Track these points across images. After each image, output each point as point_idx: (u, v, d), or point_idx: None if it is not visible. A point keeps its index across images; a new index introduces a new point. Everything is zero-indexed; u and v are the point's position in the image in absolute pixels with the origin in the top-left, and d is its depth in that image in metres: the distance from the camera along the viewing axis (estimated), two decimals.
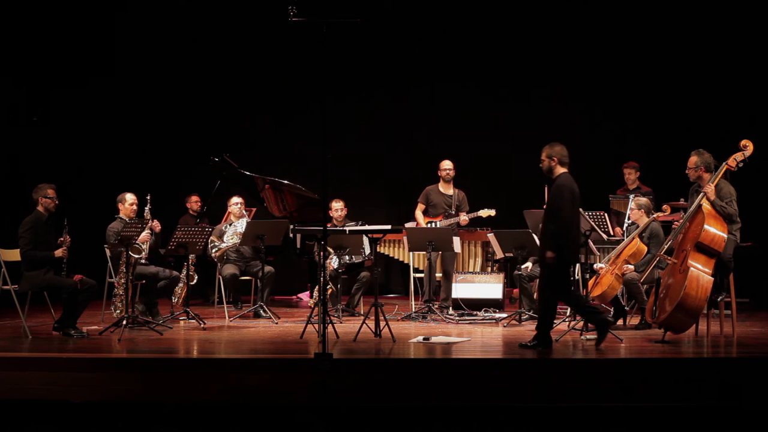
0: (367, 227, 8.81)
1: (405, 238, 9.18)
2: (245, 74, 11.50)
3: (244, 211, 9.55)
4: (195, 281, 8.90)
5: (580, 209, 7.76)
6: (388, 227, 9.02)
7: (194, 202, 10.66)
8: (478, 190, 10.15)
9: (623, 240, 8.38)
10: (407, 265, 9.92)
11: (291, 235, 9.11)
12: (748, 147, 7.34)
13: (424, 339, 7.25)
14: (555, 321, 7.26)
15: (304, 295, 11.11)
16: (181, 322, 8.45)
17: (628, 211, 8.62)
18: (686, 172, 7.45)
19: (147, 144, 11.35)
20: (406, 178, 11.33)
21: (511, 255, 8.60)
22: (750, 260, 8.92)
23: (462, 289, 9.40)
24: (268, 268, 9.05)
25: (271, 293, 9.48)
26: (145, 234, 8.16)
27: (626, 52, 11.01)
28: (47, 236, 7.56)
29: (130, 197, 8.40)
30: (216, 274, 9.18)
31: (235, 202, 9.48)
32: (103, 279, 8.51)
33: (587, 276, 7.73)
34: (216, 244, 9.21)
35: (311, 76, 9.96)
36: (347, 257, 9.20)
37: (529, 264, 8.74)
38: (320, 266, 7.46)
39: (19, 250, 7.54)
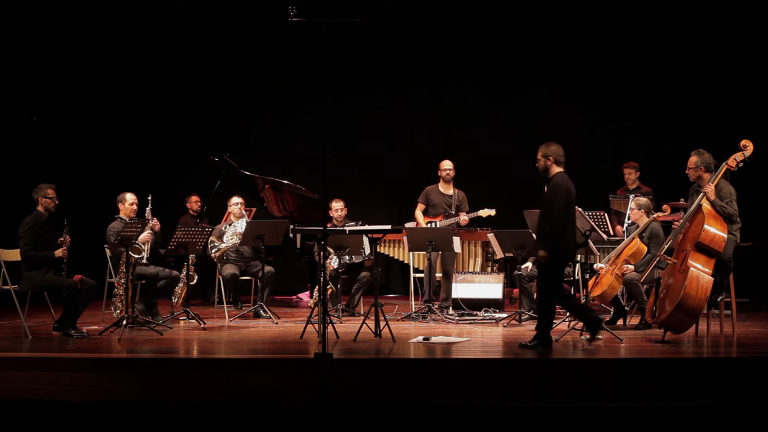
0: (367, 227, 8.81)
1: (405, 238, 9.18)
2: (245, 74, 11.50)
3: (243, 212, 9.55)
4: (195, 281, 8.90)
5: (580, 209, 7.78)
6: (388, 227, 9.02)
7: (194, 202, 10.66)
8: (478, 190, 10.15)
9: (623, 240, 8.38)
10: (407, 265, 9.92)
11: (291, 235, 9.11)
12: (748, 147, 7.34)
13: (424, 339, 7.25)
14: (555, 321, 7.27)
15: (304, 295, 11.11)
16: (181, 322, 8.45)
17: (628, 211, 8.62)
18: (686, 172, 7.45)
19: (147, 144, 11.36)
20: (406, 178, 11.33)
21: (511, 255, 8.60)
22: (750, 260, 8.92)
23: (462, 289, 9.40)
24: (268, 268, 9.05)
25: (271, 293, 9.48)
26: (146, 234, 8.16)
27: (626, 52, 11.02)
28: (47, 236, 7.56)
29: (130, 197, 8.40)
30: (216, 274, 9.18)
31: (235, 202, 9.48)
32: (103, 279, 8.51)
33: (587, 276, 7.73)
34: (216, 244, 9.21)
35: (311, 76, 9.96)
36: (347, 257, 9.20)
37: (529, 264, 8.74)
38: (320, 266, 7.46)
39: (19, 250, 7.54)
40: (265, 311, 8.84)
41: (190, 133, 11.33)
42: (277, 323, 8.54)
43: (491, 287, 9.45)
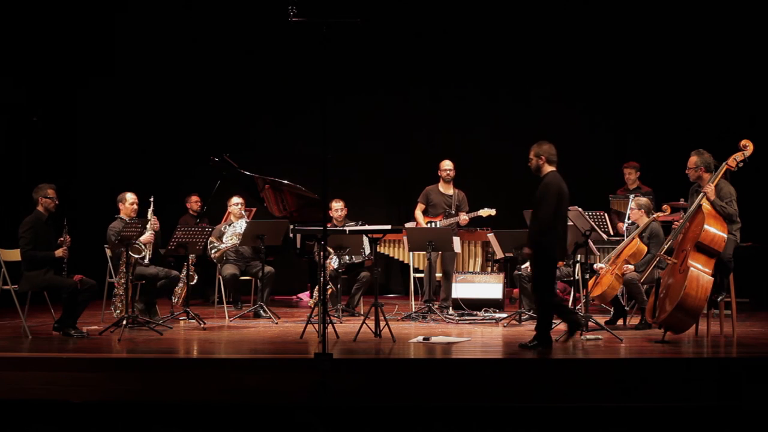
0: (367, 227, 8.81)
1: (405, 238, 9.18)
2: (245, 74, 11.50)
3: (243, 212, 9.55)
4: (195, 281, 8.89)
5: (580, 209, 7.78)
6: (388, 227, 9.01)
7: (194, 202, 10.66)
8: (478, 190, 10.15)
9: (623, 240, 8.38)
10: (407, 265, 9.92)
11: (291, 235, 9.11)
12: (748, 147, 7.34)
13: (424, 339, 7.25)
14: (555, 321, 7.26)
15: (304, 295, 11.11)
16: (181, 322, 8.45)
17: (628, 211, 8.62)
18: (686, 172, 7.45)
19: (147, 144, 11.36)
20: (406, 178, 11.33)
21: (511, 255, 8.60)
22: (750, 260, 8.92)
23: (462, 289, 9.40)
24: (268, 268, 9.05)
25: (271, 293, 9.48)
26: (149, 235, 8.15)
27: (626, 52, 11.01)
28: (47, 236, 7.56)
29: (130, 197, 8.39)
30: (216, 274, 9.18)
31: (235, 203, 9.48)
32: (103, 279, 8.51)
33: (587, 276, 7.73)
34: (215, 245, 9.21)
35: (311, 76, 9.95)
36: (347, 257, 9.20)
37: (528, 264, 8.73)
38: (320, 266, 7.46)
39: (19, 250, 7.54)
40: (265, 311, 8.84)
41: (190, 133, 11.33)
42: (277, 323, 8.54)
43: (491, 287, 9.45)
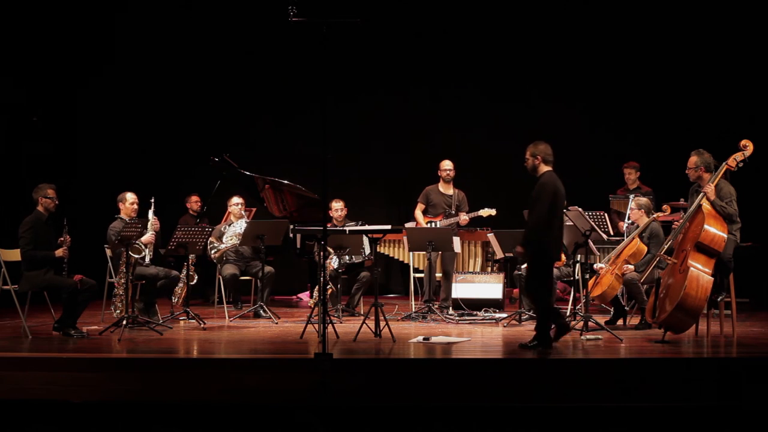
0: (367, 227, 8.81)
1: (405, 238, 9.18)
2: (245, 74, 11.50)
3: (243, 212, 9.55)
4: (195, 281, 8.89)
5: (580, 209, 7.79)
6: (388, 227, 9.01)
7: (194, 202, 10.66)
8: (478, 190, 10.15)
9: (623, 240, 8.38)
10: (407, 265, 9.92)
11: (291, 235, 9.11)
12: (748, 147, 7.34)
13: (424, 339, 7.25)
14: None
15: (304, 295, 11.11)
16: (181, 322, 8.45)
17: (628, 211, 8.61)
18: (686, 172, 7.45)
19: (147, 144, 11.36)
20: (406, 178, 11.32)
21: (511, 255, 8.59)
22: (750, 260, 8.92)
23: (462, 289, 9.40)
24: (268, 268, 9.05)
25: (271, 293, 9.48)
26: (150, 236, 8.15)
27: (626, 53, 11.01)
28: (47, 236, 7.56)
29: (130, 197, 8.39)
30: (216, 274, 9.18)
31: (235, 203, 9.48)
32: (103, 279, 8.51)
33: (587, 276, 7.73)
34: (215, 245, 9.21)
35: (311, 76, 9.95)
36: (347, 257, 9.20)
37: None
38: (320, 266, 7.46)
39: (19, 250, 7.54)
40: (265, 311, 8.84)
41: (190, 133, 11.33)
42: (277, 323, 8.54)
43: (491, 287, 9.45)
